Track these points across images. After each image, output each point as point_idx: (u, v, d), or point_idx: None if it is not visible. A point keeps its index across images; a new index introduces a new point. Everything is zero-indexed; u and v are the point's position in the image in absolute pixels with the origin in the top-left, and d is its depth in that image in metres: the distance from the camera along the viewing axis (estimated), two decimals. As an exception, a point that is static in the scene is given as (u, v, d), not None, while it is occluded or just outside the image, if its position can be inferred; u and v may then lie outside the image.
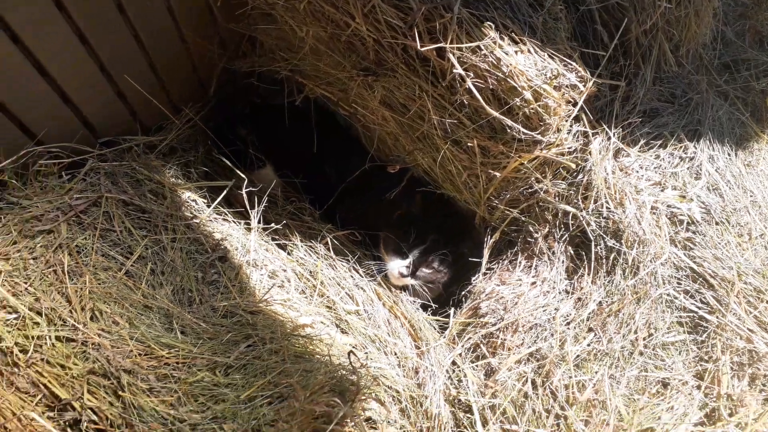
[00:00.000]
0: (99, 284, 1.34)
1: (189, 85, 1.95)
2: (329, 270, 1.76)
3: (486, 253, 1.76)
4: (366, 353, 1.54)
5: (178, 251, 1.53)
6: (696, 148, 1.64)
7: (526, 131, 1.42)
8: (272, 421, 1.24)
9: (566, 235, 1.64)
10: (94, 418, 1.21)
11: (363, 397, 1.44)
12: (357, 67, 1.61)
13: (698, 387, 1.53)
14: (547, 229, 1.65)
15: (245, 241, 1.63)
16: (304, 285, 1.70)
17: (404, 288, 1.84)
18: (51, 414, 1.23)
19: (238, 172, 1.65)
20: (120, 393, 1.18)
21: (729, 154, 1.67)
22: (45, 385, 1.23)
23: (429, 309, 1.86)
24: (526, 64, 1.42)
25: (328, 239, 1.80)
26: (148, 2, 1.61)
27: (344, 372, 1.41)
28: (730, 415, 1.49)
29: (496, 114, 1.40)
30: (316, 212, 1.94)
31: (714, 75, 1.83)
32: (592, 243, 1.56)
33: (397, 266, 1.76)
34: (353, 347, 1.46)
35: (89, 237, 1.43)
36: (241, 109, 2.12)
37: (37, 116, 1.50)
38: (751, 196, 1.61)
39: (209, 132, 1.87)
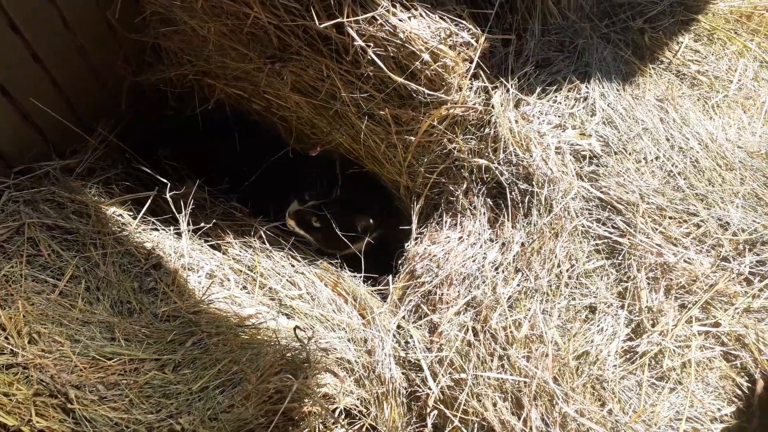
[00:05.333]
0: (33, 308, 1.34)
1: (99, 102, 1.94)
2: (267, 261, 1.80)
3: (414, 219, 1.84)
4: (311, 328, 1.59)
5: (111, 265, 1.54)
6: (588, 88, 1.76)
7: (430, 92, 1.51)
8: (228, 408, 1.28)
9: (483, 188, 1.74)
10: (47, 439, 1.22)
11: (315, 371, 1.49)
12: (263, 56, 1.65)
13: (622, 306, 1.65)
14: (465, 186, 1.75)
15: (177, 246, 1.66)
16: (243, 280, 1.73)
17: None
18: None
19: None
20: (69, 407, 1.19)
21: (618, 90, 1.80)
22: (-9, 416, 1.23)
23: (369, 281, 1.92)
24: (420, 27, 1.51)
25: (261, 232, 1.84)
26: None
27: (293, 350, 1.47)
28: (653, 325, 1.62)
29: (400, 80, 1.48)
30: (246, 209, 1.97)
31: (596, 21, 1.96)
32: (507, 190, 1.66)
33: (290, 207, 1.90)
34: (297, 326, 1.51)
35: (16, 265, 1.43)
36: (156, 125, 2.12)
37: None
38: (642, 123, 1.75)
39: (127, 150, 1.88)
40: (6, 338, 1.28)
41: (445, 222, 1.78)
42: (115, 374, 1.27)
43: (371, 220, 1.89)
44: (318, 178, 1.94)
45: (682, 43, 2.01)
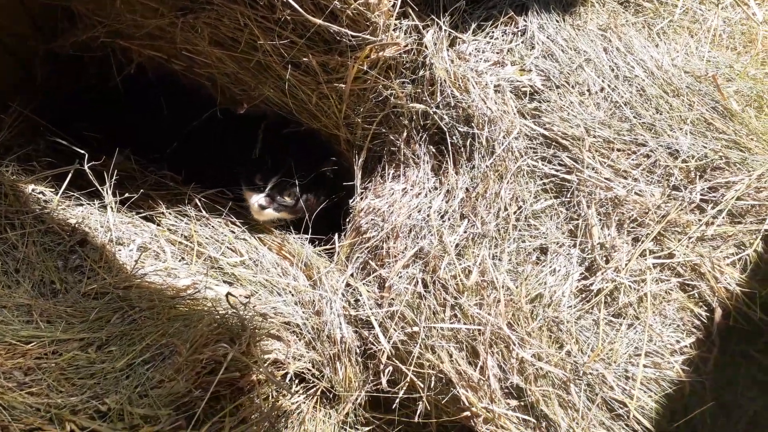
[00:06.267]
0: (-60, 296, 1.25)
1: (11, 75, 1.82)
2: (205, 229, 1.71)
3: (358, 173, 1.76)
4: (255, 293, 1.53)
5: (31, 245, 1.45)
6: (526, 21, 1.68)
7: (354, 34, 1.41)
8: (158, 383, 1.21)
9: (425, 135, 1.66)
10: (-35, 432, 1.14)
11: (257, 338, 1.43)
12: (174, 9, 1.54)
13: (574, 245, 1.60)
14: (406, 134, 1.67)
15: (104, 221, 1.56)
16: (180, 251, 1.65)
17: (276, 220, 1.84)
18: None
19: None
20: (-18, 396, 1.11)
21: (557, 21, 1.72)
22: None
23: (318, 242, 1.85)
24: (334, -39, 1.40)
25: (197, 199, 1.75)
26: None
27: (231, 319, 1.40)
28: (607, 262, 1.57)
29: (319, 22, 1.38)
30: (179, 177, 1.87)
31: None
32: (447, 134, 1.59)
33: (255, 200, 1.74)
34: (229, 292, 1.44)
35: None
36: (78, 95, 1.99)
37: None
38: (585, 54, 1.67)
39: (43, 124, 1.76)
40: None
41: (389, 174, 1.71)
42: (34, 358, 1.19)
43: (333, 158, 1.81)
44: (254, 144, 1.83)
45: (624, -32, 1.93)
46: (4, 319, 1.24)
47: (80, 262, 1.46)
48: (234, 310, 1.36)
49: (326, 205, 1.85)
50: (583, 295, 1.59)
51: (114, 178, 1.57)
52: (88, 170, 1.51)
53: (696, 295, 1.58)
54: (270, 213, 1.77)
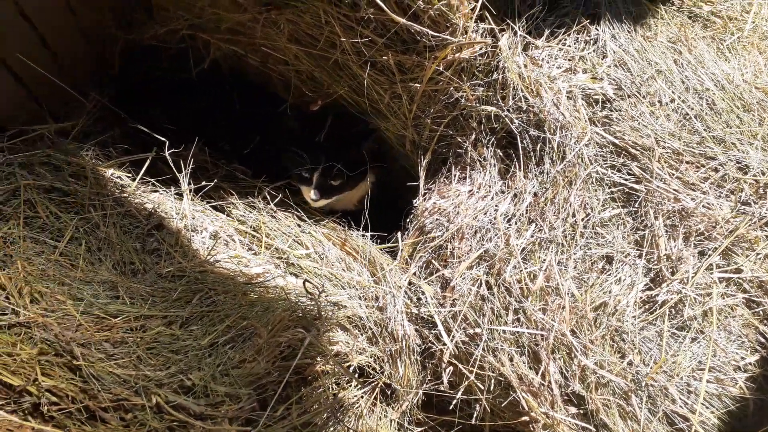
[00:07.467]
0: (33, 268, 1.29)
1: (91, 63, 1.88)
2: (272, 222, 1.75)
3: (422, 174, 1.78)
4: (321, 285, 1.55)
5: (112, 226, 1.50)
6: (598, 30, 1.70)
7: (435, 34, 1.44)
8: (239, 363, 1.24)
9: (493, 139, 1.68)
10: (54, 399, 1.18)
11: (327, 328, 1.45)
12: (258, 4, 1.59)
13: (639, 255, 1.61)
14: (474, 137, 1.69)
15: (179, 207, 1.61)
16: (249, 241, 1.69)
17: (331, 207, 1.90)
18: (7, 406, 1.19)
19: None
20: (75, 364, 1.15)
21: (629, 31, 1.74)
22: (-6, 378, 1.19)
23: (379, 239, 1.87)
24: (421, -37, 1.43)
25: (266, 192, 1.79)
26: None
27: (304, 306, 1.42)
28: (672, 274, 1.57)
29: (402, 21, 1.41)
30: (248, 171, 1.92)
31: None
32: (518, 138, 1.60)
33: (307, 194, 1.79)
34: (306, 279, 1.46)
35: (13, 226, 1.38)
36: (148, 86, 2.06)
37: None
38: (656, 65, 1.68)
39: (121, 113, 1.82)
40: (6, 298, 1.23)
41: (454, 176, 1.73)
42: (121, 332, 1.22)
43: (369, 125, 1.83)
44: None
45: (694, -17, 1.94)
46: (92, 293, 1.28)
47: (157, 246, 1.50)
48: (310, 297, 1.38)
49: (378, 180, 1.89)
50: (648, 306, 1.59)
51: (189, 167, 1.62)
52: (168, 157, 1.56)
53: (761, 312, 1.57)
54: (324, 201, 1.83)
